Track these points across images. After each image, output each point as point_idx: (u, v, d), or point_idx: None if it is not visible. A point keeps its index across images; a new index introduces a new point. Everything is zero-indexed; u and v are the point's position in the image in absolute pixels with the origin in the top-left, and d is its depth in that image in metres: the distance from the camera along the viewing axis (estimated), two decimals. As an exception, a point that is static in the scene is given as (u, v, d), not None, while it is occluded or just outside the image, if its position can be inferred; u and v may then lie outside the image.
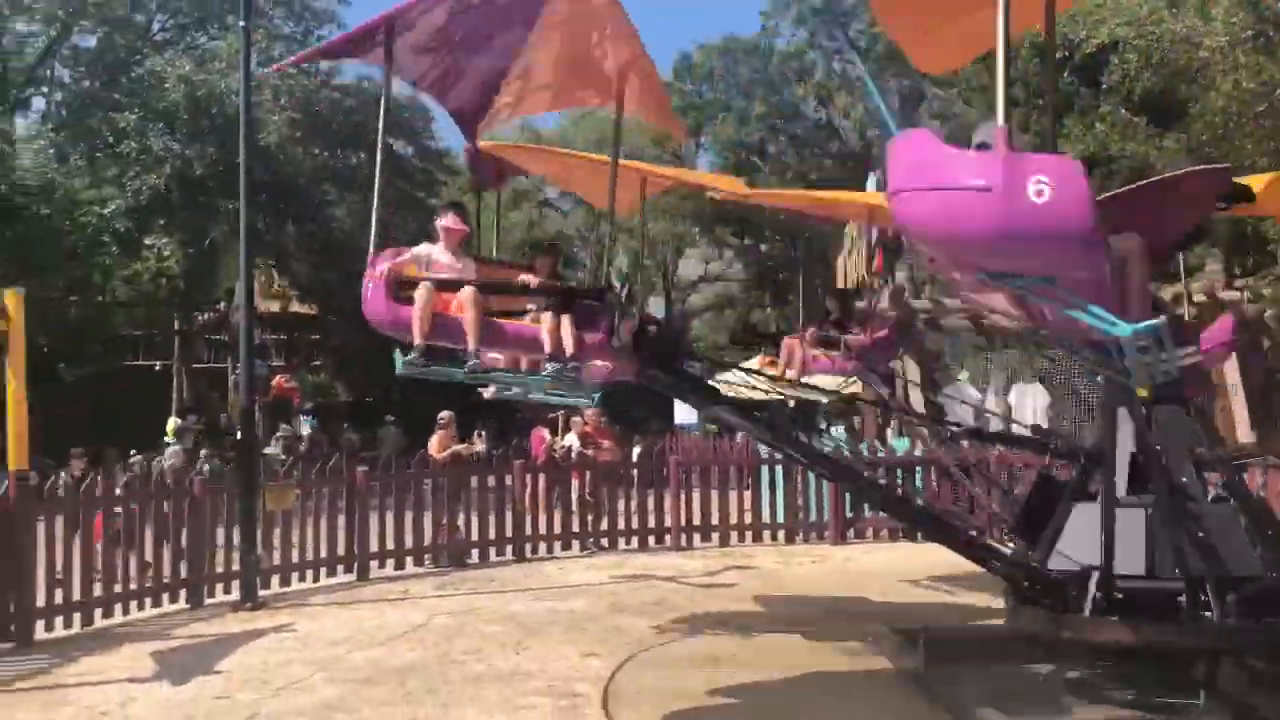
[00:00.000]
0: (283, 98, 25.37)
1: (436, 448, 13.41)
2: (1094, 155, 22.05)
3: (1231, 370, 15.38)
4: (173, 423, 26.00)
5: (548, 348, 6.79)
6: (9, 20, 26.18)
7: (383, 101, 7.14)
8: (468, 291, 6.78)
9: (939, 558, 8.83)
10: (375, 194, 7.12)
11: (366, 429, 28.12)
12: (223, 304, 33.88)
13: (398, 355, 7.29)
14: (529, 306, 7.25)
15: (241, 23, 10.87)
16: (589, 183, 10.38)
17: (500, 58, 7.45)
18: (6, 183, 21.86)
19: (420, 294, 6.69)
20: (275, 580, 10.78)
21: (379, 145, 7.28)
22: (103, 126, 24.93)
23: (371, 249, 7.03)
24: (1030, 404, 16.35)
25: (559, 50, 7.27)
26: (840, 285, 18.11)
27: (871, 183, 19.27)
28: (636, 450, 18.08)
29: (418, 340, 6.70)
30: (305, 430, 31.55)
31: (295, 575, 11.03)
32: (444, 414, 13.92)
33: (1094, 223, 4.70)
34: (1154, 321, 4.95)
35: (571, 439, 15.03)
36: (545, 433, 18.42)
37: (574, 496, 13.69)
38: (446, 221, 7.68)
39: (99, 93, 26.08)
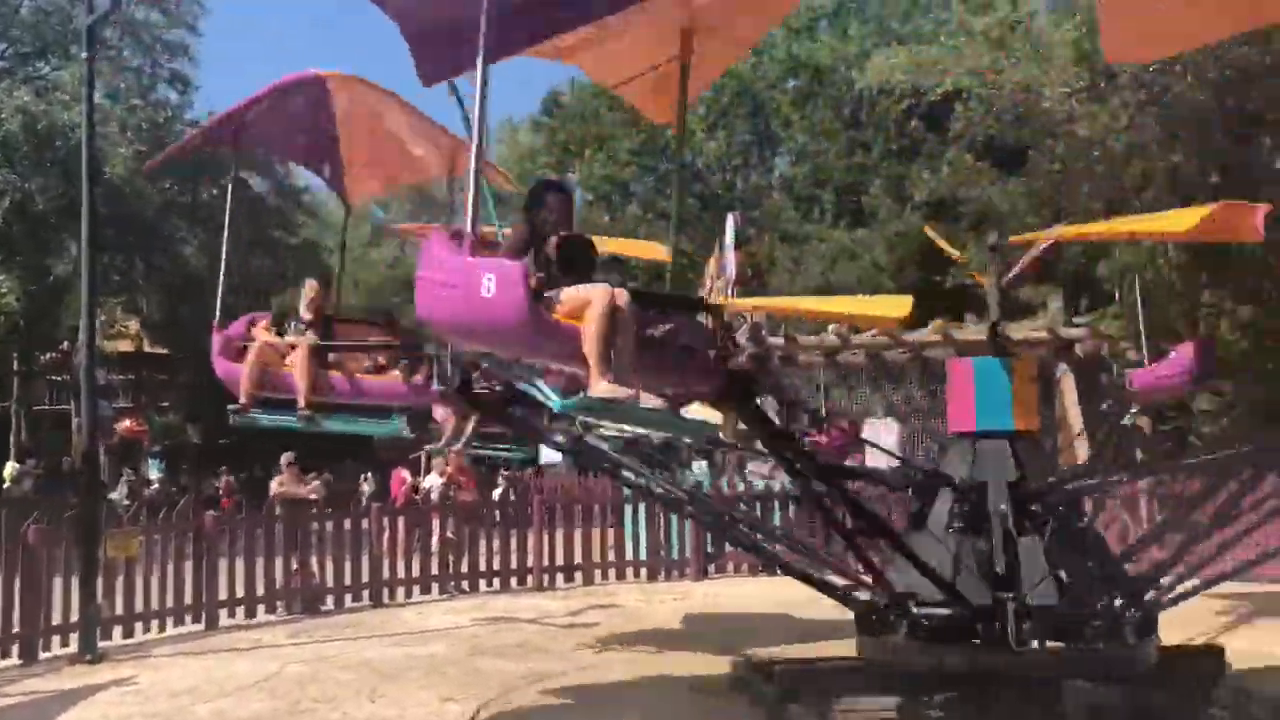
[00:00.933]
0: (129, 131, 24.62)
1: (275, 490, 13.11)
2: (941, 199, 22.96)
3: (1071, 405, 16.09)
4: (10, 467, 24.84)
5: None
6: None
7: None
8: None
9: (797, 591, 8.95)
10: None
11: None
12: (66, 343, 32.55)
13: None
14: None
15: (84, 54, 10.52)
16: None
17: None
18: None
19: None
20: (117, 631, 10.30)
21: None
22: (-64, 158, 23.81)
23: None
24: (883, 439, 16.76)
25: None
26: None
27: (730, 224, 19.65)
28: (498, 492, 17.95)
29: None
30: (153, 474, 30.49)
31: (139, 625, 10.56)
32: (286, 455, 13.57)
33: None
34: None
35: (433, 480, 14.82)
36: (405, 474, 18.16)
37: (434, 539, 13.49)
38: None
39: (-69, 122, 24.88)
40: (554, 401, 5.91)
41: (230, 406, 8.35)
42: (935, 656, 6.26)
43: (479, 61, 5.56)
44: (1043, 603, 6.15)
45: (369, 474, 15.15)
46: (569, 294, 5.56)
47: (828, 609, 8.96)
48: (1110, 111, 16.68)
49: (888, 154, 29.42)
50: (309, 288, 8.79)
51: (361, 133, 8.42)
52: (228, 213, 8.35)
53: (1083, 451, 15.08)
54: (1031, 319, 17.68)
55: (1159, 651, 6.49)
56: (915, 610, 6.29)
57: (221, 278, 8.68)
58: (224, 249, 8.35)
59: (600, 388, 5.37)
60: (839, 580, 7.43)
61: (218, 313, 8.50)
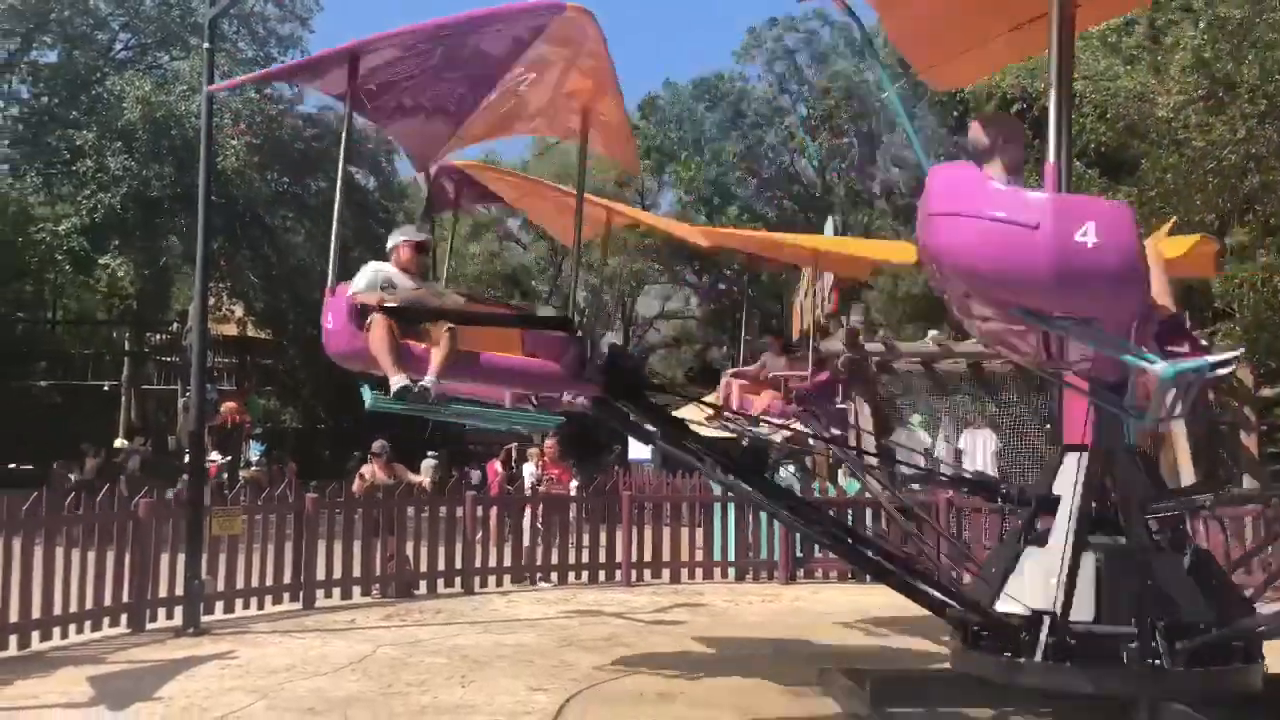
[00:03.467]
0: (243, 122, 25.28)
1: (360, 481, 13.29)
2: (1047, 206, 22.46)
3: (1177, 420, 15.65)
4: (119, 444, 25.66)
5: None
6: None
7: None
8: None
9: (888, 599, 8.86)
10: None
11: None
12: (175, 325, 33.57)
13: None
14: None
15: (205, 45, 10.84)
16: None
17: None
18: (-42, 197, 21.60)
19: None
20: (219, 606, 10.62)
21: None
22: (59, 144, 24.67)
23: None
24: (980, 449, 16.51)
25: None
26: (796, 326, 18.27)
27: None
28: (574, 485, 18.07)
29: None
30: (254, 456, 31.24)
31: (239, 601, 10.89)
32: (378, 443, 13.66)
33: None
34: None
35: (530, 470, 14.96)
36: (498, 465, 18.36)
37: (525, 529, 13.64)
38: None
39: (57, 110, 25.81)
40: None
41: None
42: (1093, 681, 5.72)
43: None
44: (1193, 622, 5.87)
45: (474, 464, 15.49)
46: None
47: (920, 619, 8.88)
48: (1228, 121, 16.20)
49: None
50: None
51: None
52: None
53: (1187, 467, 14.66)
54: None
55: (1266, 677, 6.26)
56: (1058, 630, 5.95)
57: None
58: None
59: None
60: (936, 591, 7.30)
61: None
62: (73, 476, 11.11)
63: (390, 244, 7.45)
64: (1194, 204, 16.79)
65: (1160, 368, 4.99)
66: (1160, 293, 5.44)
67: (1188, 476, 14.50)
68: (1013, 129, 5.93)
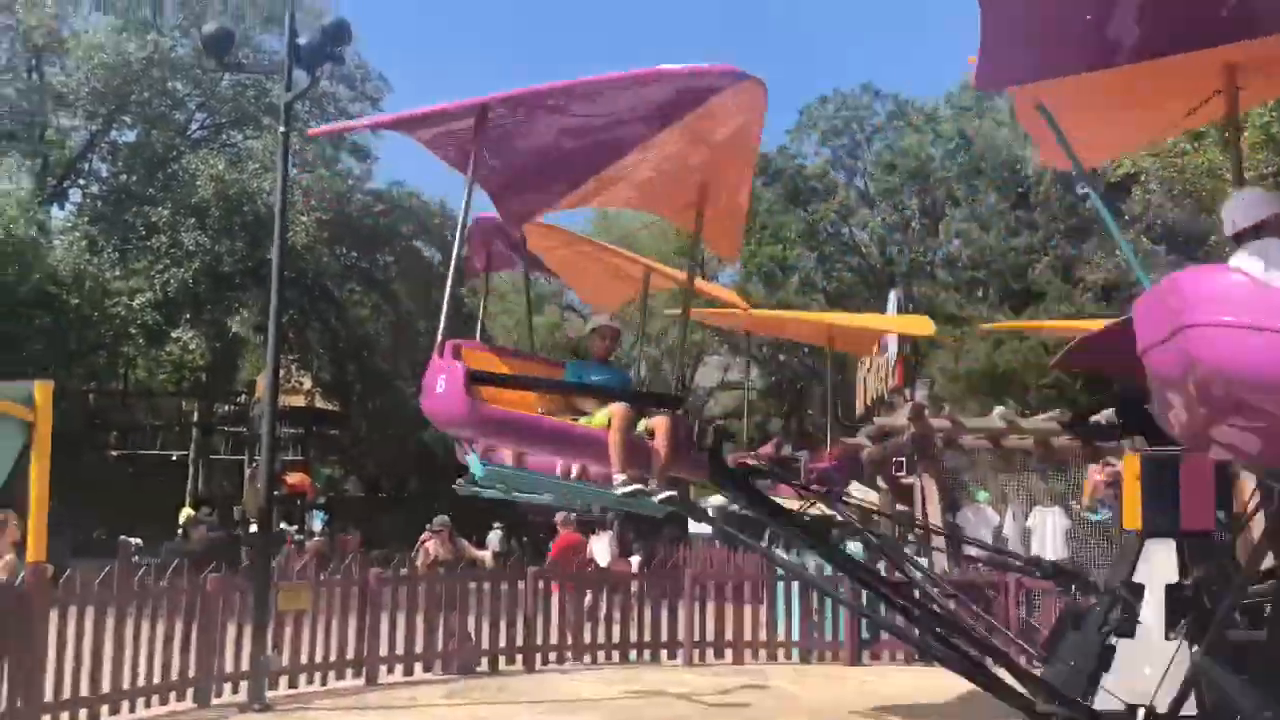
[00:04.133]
0: (313, 199, 25.86)
1: (423, 555, 13.32)
2: (1114, 282, 22.22)
3: (1252, 501, 15.23)
4: (186, 513, 25.99)
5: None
6: (53, 114, 26.88)
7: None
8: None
9: (955, 682, 8.68)
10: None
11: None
12: (242, 396, 34.15)
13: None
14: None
15: (282, 128, 11.14)
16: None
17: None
18: (42, 272, 22.23)
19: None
20: (283, 681, 10.65)
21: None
22: (136, 220, 25.40)
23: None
24: (1050, 527, 16.17)
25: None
26: (861, 400, 18.14)
27: (892, 301, 19.42)
28: (636, 560, 17.91)
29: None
30: (317, 525, 31.50)
31: (303, 677, 10.91)
32: (439, 519, 13.71)
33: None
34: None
35: (600, 548, 14.89)
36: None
37: (585, 607, 13.56)
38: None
39: (134, 187, 26.62)
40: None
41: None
42: None
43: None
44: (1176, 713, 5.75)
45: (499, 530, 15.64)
46: None
47: (988, 704, 8.66)
48: (1300, 197, 15.99)
49: (1056, 234, 28.74)
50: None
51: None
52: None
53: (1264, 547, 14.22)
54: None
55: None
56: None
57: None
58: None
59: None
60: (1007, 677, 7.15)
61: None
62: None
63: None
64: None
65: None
66: None
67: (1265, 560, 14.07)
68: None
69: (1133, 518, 6.47)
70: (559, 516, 16.03)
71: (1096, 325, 10.77)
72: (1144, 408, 6.65)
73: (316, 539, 24.26)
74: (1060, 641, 6.35)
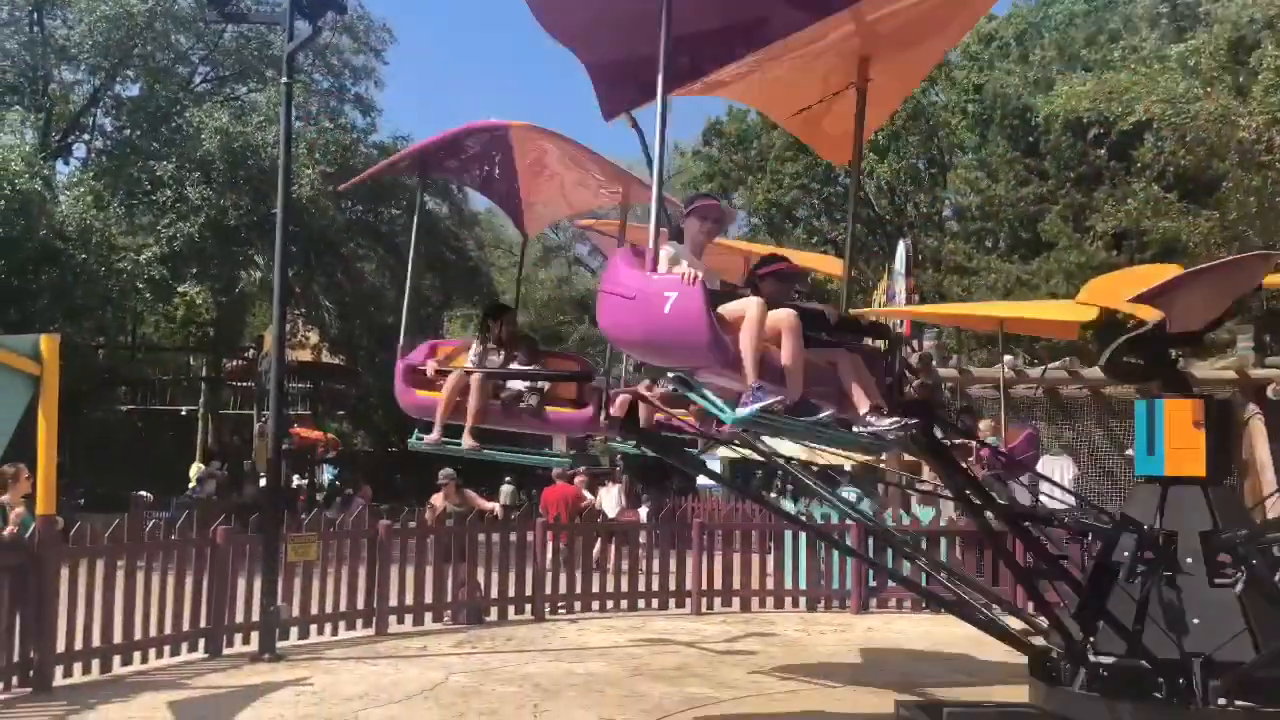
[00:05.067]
0: (317, 152, 25.69)
1: (432, 509, 13.37)
2: (1125, 230, 22.07)
3: (1262, 447, 15.24)
4: (196, 468, 26.17)
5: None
6: (56, 68, 26.69)
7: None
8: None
9: (962, 630, 8.73)
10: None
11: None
12: (250, 351, 34.21)
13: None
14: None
15: (283, 79, 11.05)
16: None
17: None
18: (47, 227, 22.17)
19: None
20: (294, 632, 10.75)
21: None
22: (141, 175, 25.28)
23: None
24: (1059, 476, 16.17)
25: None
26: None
27: (901, 251, 19.33)
28: (645, 511, 18.00)
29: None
30: (326, 479, 31.68)
31: (314, 627, 11.00)
32: (445, 471, 13.78)
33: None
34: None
35: (609, 500, 14.94)
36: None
37: (594, 556, 13.64)
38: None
39: (138, 141, 26.45)
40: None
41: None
42: (1113, 712, 5.94)
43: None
44: (1233, 659, 5.80)
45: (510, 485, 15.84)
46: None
47: (994, 650, 8.72)
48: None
49: (1066, 182, 28.47)
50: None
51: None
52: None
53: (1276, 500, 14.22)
54: (1220, 357, 16.81)
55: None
56: (1094, 660, 6.00)
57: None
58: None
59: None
60: (1010, 622, 7.19)
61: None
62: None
63: None
64: (1278, 226, 16.39)
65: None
66: None
67: (1273, 505, 14.08)
68: None
69: (1194, 464, 6.40)
70: (555, 470, 16.13)
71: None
72: (1153, 351, 6.65)
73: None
74: (1100, 590, 6.30)
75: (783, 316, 5.80)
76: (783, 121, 7.86)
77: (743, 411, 5.60)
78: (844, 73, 6.62)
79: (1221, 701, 5.79)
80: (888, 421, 5.89)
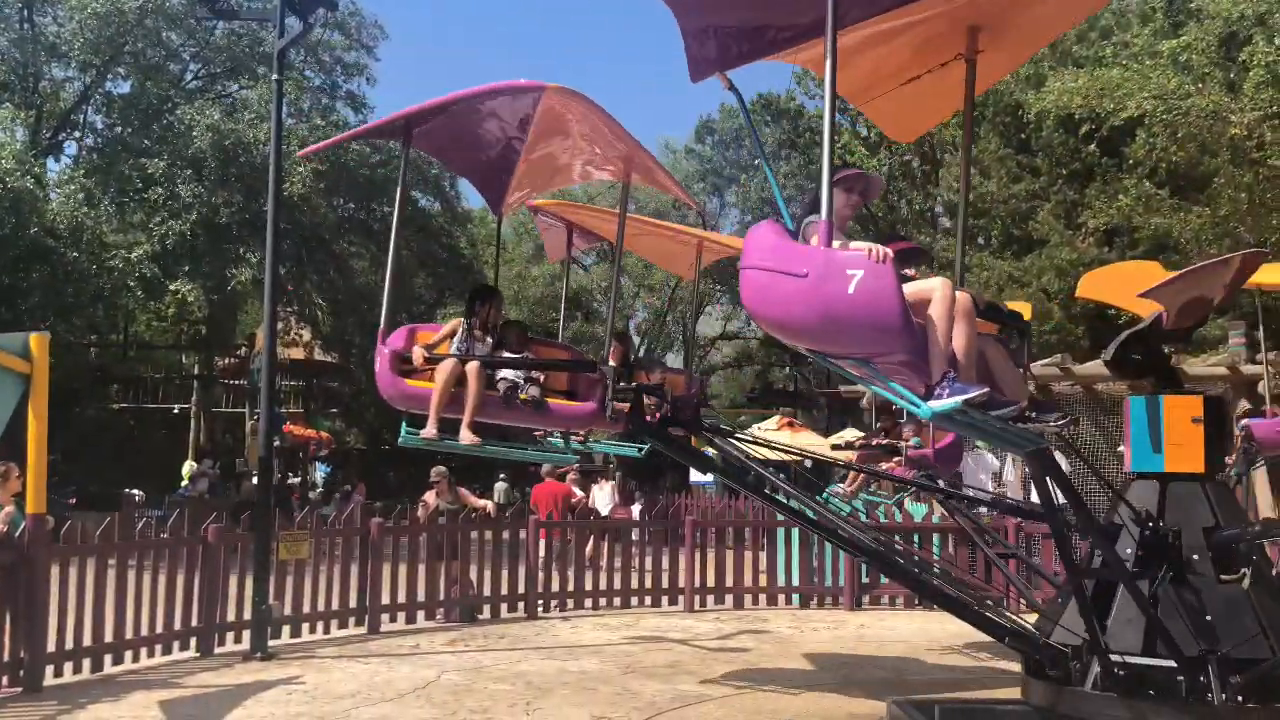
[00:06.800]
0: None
1: (424, 507, 13.34)
2: (1116, 226, 22.08)
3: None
4: (189, 466, 26.13)
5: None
6: (47, 65, 26.60)
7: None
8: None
9: (954, 627, 8.74)
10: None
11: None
12: (243, 349, 34.15)
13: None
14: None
15: (273, 76, 11.03)
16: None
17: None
18: (38, 225, 22.10)
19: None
20: (285, 630, 10.72)
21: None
22: (132, 172, 25.20)
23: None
24: (984, 474, 16.17)
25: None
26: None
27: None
28: (637, 508, 17.98)
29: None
30: (319, 477, 31.65)
31: (306, 626, 10.98)
32: (438, 469, 13.72)
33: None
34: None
35: (603, 498, 14.94)
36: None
37: (588, 553, 13.63)
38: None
39: (129, 139, 26.38)
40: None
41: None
42: (1132, 711, 5.81)
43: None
44: (1248, 656, 5.74)
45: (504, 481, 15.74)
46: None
47: (986, 648, 8.73)
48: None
49: (1058, 179, 28.48)
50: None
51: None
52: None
53: (1265, 499, 14.26)
54: (1211, 353, 16.83)
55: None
56: (1112, 660, 5.87)
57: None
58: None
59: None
60: (1002, 619, 7.16)
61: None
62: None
63: None
64: (1269, 222, 16.41)
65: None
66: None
67: (1265, 501, 14.12)
68: None
69: (1193, 460, 6.36)
70: (545, 467, 16.11)
71: None
72: (1150, 347, 6.63)
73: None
74: (1105, 592, 6.24)
75: (959, 299, 5.32)
76: (855, 98, 7.21)
77: (942, 404, 4.99)
78: (952, 43, 6.33)
79: (1241, 699, 5.73)
80: (1054, 415, 5.45)
